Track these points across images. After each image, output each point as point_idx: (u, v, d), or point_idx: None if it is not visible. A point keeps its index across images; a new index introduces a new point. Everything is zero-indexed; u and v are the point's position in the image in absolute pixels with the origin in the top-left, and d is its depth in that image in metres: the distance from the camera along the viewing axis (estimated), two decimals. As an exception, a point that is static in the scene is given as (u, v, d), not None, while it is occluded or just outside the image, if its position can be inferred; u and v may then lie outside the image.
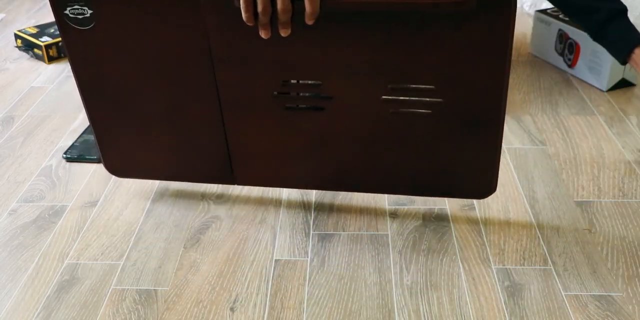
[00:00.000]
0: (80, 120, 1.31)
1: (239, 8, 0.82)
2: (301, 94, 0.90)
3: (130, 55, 0.90)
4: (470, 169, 0.93)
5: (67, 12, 0.87)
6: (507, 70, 0.83)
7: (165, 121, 0.96)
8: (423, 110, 0.88)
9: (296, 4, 0.80)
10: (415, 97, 0.87)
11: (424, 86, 0.86)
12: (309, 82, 0.89)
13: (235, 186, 1.10)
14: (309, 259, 0.94)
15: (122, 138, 0.99)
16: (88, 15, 0.87)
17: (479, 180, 0.94)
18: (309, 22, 0.81)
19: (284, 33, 0.82)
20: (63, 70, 1.53)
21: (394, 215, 1.03)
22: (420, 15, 0.80)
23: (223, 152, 0.98)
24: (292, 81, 0.89)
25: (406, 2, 0.79)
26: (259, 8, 0.80)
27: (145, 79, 0.92)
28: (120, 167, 1.03)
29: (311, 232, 0.99)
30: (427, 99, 0.87)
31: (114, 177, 1.13)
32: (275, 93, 0.90)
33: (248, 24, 0.81)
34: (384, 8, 0.80)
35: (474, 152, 0.91)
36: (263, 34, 0.82)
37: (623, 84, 1.39)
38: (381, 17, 0.81)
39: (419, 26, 0.81)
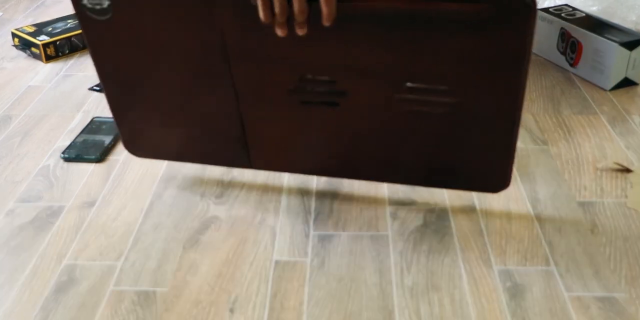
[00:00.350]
0: (78, 120, 1.30)
1: (255, 6, 0.82)
2: (316, 90, 0.91)
3: (147, 46, 0.91)
4: (484, 164, 0.93)
5: (84, 2, 0.88)
6: (524, 74, 0.83)
7: (182, 108, 0.98)
8: (438, 109, 0.89)
9: (313, 5, 0.80)
10: (430, 96, 0.88)
11: (439, 87, 0.86)
12: (324, 78, 0.89)
13: (235, 185, 1.09)
14: (308, 260, 0.93)
15: (140, 121, 1.02)
16: (105, 6, 0.88)
17: (493, 175, 0.94)
18: (326, 23, 0.81)
19: (300, 32, 0.82)
20: (61, 69, 1.52)
21: (394, 215, 1.02)
22: (438, 18, 0.80)
23: (240, 137, 1.00)
24: (308, 76, 0.90)
25: (423, 8, 0.79)
26: (276, 9, 0.80)
27: (162, 68, 0.94)
28: (138, 149, 1.07)
29: (311, 233, 0.99)
30: (444, 99, 0.88)
31: (112, 177, 1.12)
32: (291, 88, 0.91)
33: (265, 22, 0.82)
34: (401, 12, 0.80)
35: (489, 149, 0.92)
36: (280, 33, 0.83)
37: (626, 83, 1.38)
38: (399, 19, 0.81)
39: (436, 29, 0.81)
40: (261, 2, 0.80)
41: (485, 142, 0.91)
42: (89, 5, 0.88)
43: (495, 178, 0.95)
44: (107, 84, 0.99)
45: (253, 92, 0.93)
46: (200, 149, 1.04)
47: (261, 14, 0.81)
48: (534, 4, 0.77)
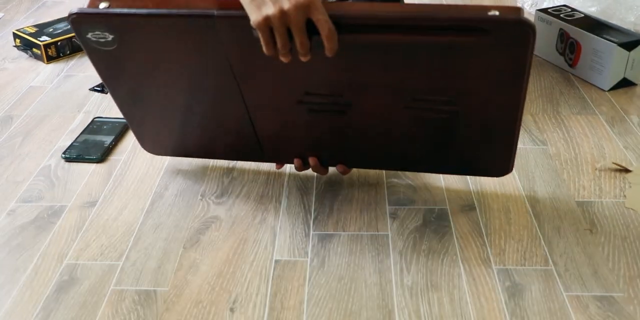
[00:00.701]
0: (79, 120, 1.31)
1: (258, 38, 0.84)
2: (323, 102, 0.93)
3: (153, 70, 0.93)
4: (489, 155, 0.97)
5: (89, 36, 0.90)
6: (525, 86, 0.86)
7: (194, 117, 1.01)
8: (442, 114, 0.92)
9: (314, 38, 0.82)
10: (434, 105, 0.90)
11: (442, 98, 0.89)
12: (329, 93, 0.92)
13: (235, 185, 1.10)
14: (308, 260, 0.94)
15: (153, 128, 1.05)
16: (110, 39, 0.90)
17: (498, 163, 0.98)
18: (329, 55, 0.83)
19: (304, 59, 0.84)
20: (62, 69, 1.53)
21: (394, 215, 1.02)
22: (439, 46, 0.82)
23: (253, 138, 1.03)
24: (314, 91, 0.92)
25: (425, 40, 0.81)
26: (278, 44, 0.82)
27: (170, 88, 0.96)
28: (155, 150, 1.12)
29: (311, 233, 0.99)
30: (447, 108, 0.90)
31: (113, 177, 1.13)
32: (298, 100, 0.93)
33: (268, 55, 0.84)
34: (403, 42, 0.82)
35: (493, 144, 0.95)
36: (284, 60, 0.84)
37: (624, 84, 1.38)
38: (401, 46, 0.83)
39: (437, 53, 0.83)
40: (263, 38, 0.82)
41: (489, 138, 0.94)
42: (93, 39, 0.90)
43: (499, 165, 0.99)
44: (119, 100, 1.01)
45: (262, 105, 0.96)
46: (216, 148, 1.07)
47: (264, 48, 0.83)
48: (533, 30, 0.79)
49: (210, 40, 0.87)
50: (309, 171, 1.13)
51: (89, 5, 0.88)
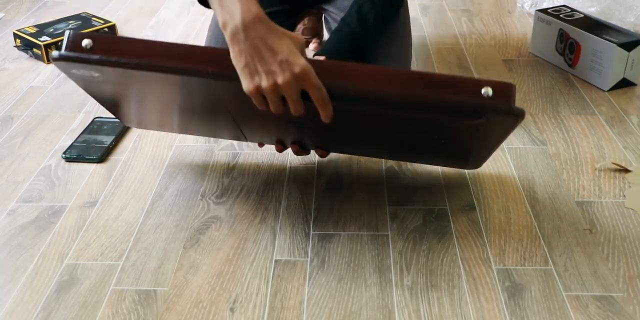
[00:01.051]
0: (79, 120, 1.31)
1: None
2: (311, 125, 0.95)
3: (139, 95, 0.94)
4: (463, 160, 1.03)
5: (73, 71, 0.89)
6: (501, 142, 0.93)
7: (176, 110, 1.01)
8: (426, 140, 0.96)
9: (308, 103, 0.82)
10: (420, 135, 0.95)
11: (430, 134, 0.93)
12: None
13: (236, 185, 1.10)
14: (308, 259, 0.94)
15: (133, 113, 1.07)
16: (95, 75, 0.89)
17: (470, 164, 1.05)
18: (325, 121, 0.84)
19: (297, 114, 0.84)
20: (62, 69, 1.53)
21: (394, 215, 1.02)
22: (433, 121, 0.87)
23: (236, 129, 1.04)
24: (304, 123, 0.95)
25: (415, 115, 0.84)
26: (271, 108, 0.83)
27: (156, 102, 0.97)
28: (135, 125, 1.15)
29: (311, 232, 0.99)
30: (434, 137, 0.94)
31: (113, 177, 1.13)
32: (288, 120, 0.94)
33: (260, 109, 0.84)
34: (398, 117, 0.85)
35: (469, 156, 1.00)
36: (278, 112, 0.85)
37: (624, 84, 1.38)
38: (395, 119, 0.87)
39: (429, 123, 0.87)
40: (256, 102, 0.83)
41: (467, 153, 0.99)
42: (78, 73, 0.88)
43: (471, 165, 1.05)
44: (101, 103, 1.02)
45: (251, 124, 0.98)
46: (196, 128, 1.09)
47: (257, 106, 0.84)
48: (522, 116, 0.82)
49: (203, 87, 0.86)
50: (309, 171, 1.13)
51: (71, 43, 0.84)
